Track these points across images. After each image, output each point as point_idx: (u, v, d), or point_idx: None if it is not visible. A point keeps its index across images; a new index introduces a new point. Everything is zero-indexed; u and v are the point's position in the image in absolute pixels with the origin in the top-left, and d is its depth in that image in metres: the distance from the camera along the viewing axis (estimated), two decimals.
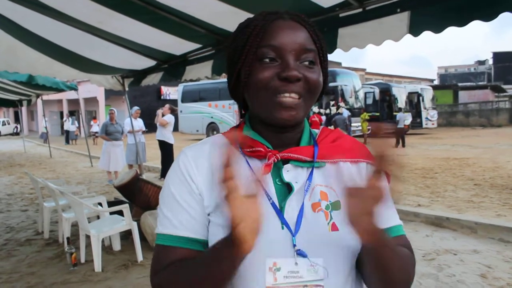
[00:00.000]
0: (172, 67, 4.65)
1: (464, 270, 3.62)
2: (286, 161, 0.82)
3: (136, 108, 9.11)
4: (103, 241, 4.09)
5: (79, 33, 3.76)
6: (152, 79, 5.14)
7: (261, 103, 0.78)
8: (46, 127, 17.89)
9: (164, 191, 0.84)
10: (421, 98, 23.46)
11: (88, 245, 3.95)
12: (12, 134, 35.68)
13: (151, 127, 11.52)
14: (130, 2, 2.94)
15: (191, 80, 4.94)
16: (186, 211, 0.80)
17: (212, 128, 20.63)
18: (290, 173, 0.81)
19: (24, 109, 29.03)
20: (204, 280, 0.70)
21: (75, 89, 10.63)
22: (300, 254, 0.75)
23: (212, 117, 20.70)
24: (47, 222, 4.92)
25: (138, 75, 5.52)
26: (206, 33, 3.49)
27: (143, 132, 9.26)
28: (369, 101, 22.44)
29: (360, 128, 17.54)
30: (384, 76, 49.68)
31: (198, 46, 3.99)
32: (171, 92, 30.93)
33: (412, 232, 4.75)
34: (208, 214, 0.80)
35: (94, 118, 26.10)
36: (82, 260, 4.00)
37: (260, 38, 0.76)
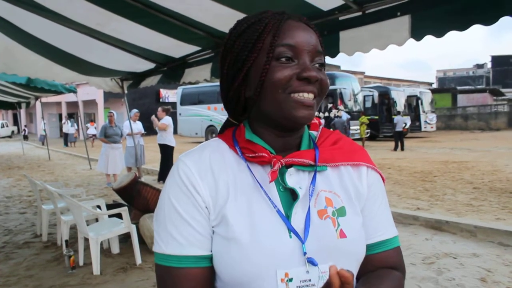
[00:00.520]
0: (171, 69, 4.65)
1: (464, 274, 3.61)
2: (288, 165, 0.80)
3: (135, 110, 9.11)
4: (101, 244, 4.08)
5: (78, 35, 3.75)
6: (151, 81, 5.14)
7: (278, 102, 0.75)
8: (45, 130, 17.87)
9: (163, 204, 0.77)
10: (420, 101, 23.57)
11: (87, 248, 3.94)
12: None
13: (150, 130, 11.50)
14: (129, 4, 2.94)
15: (190, 83, 4.94)
16: (191, 226, 0.74)
17: (211, 131, 20.68)
18: (292, 177, 0.79)
19: (23, 111, 29.00)
20: None
21: (74, 92, 10.58)
22: (311, 262, 0.72)
23: (211, 120, 20.74)
24: (46, 224, 4.90)
25: (137, 77, 5.52)
26: (205, 36, 3.48)
27: (142, 135, 9.25)
28: (368, 104, 22.49)
29: (358, 131, 17.57)
30: (382, 80, 49.82)
31: (197, 48, 3.97)
32: (170, 95, 30.95)
33: (411, 236, 4.75)
34: (213, 226, 0.76)
35: (91, 121, 26.07)
36: (81, 263, 3.98)
37: (277, 36, 0.74)
